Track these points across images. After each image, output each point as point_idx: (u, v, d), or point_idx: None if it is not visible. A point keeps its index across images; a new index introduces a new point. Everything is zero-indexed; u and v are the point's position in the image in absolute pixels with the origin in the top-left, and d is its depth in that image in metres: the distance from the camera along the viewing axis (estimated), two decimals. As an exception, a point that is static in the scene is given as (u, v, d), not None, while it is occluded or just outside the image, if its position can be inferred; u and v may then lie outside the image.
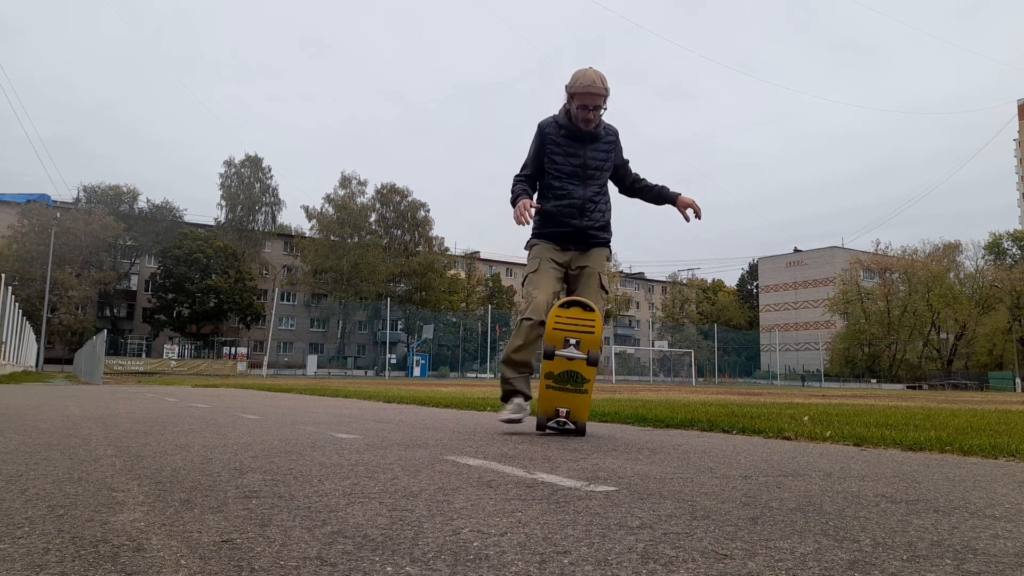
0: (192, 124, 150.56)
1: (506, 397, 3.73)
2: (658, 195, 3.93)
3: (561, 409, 3.46)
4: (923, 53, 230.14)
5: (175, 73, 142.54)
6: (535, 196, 3.83)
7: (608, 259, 3.87)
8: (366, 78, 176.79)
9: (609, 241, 3.86)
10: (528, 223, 3.64)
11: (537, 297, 3.58)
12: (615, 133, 3.88)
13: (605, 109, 3.68)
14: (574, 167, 3.74)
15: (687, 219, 3.84)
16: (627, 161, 3.95)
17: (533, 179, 3.85)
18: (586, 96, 3.58)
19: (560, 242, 3.76)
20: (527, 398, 3.70)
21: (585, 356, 3.31)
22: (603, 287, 3.75)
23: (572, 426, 3.50)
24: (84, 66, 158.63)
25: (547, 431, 3.59)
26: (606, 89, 3.60)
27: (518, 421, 3.68)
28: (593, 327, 3.34)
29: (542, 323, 3.49)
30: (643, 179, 3.98)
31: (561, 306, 3.40)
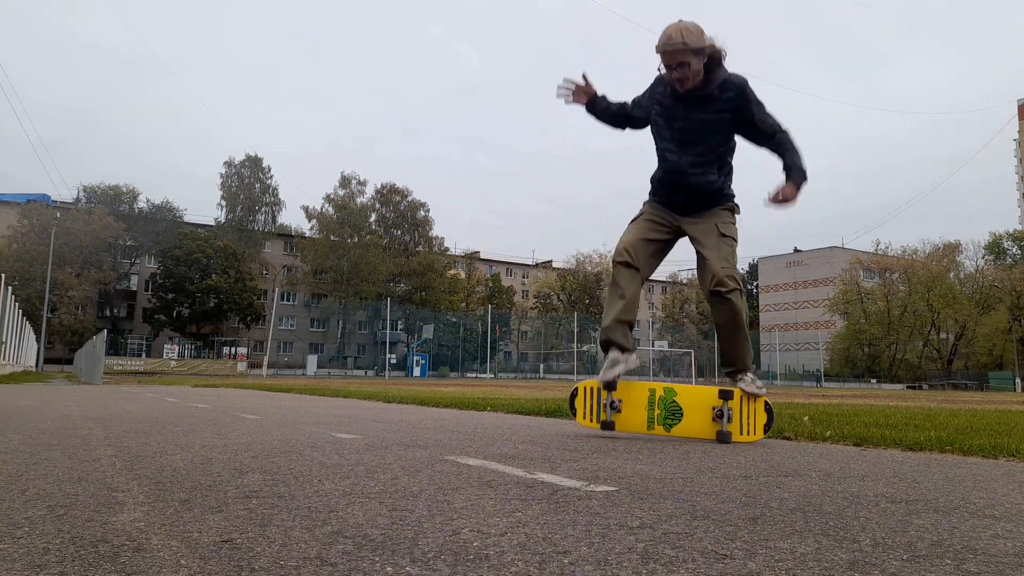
0: (192, 124, 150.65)
1: (603, 348, 3.48)
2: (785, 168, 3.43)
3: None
4: (923, 53, 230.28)
5: (175, 73, 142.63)
6: (631, 131, 3.65)
7: (732, 212, 3.51)
8: (366, 77, 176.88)
9: (728, 205, 3.49)
10: (571, 100, 3.57)
11: (621, 239, 3.52)
12: (737, 88, 3.32)
13: (689, 64, 3.22)
14: (673, 131, 3.42)
15: (768, 200, 3.36)
16: (765, 119, 3.36)
17: (628, 108, 3.58)
18: (665, 55, 3.24)
19: (665, 200, 3.56)
20: (623, 349, 3.40)
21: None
22: (725, 235, 3.42)
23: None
24: (84, 66, 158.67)
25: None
26: (684, 44, 3.17)
27: (611, 381, 3.38)
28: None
29: (624, 263, 3.44)
30: (786, 147, 3.38)
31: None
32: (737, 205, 3.55)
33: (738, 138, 3.51)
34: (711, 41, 3.27)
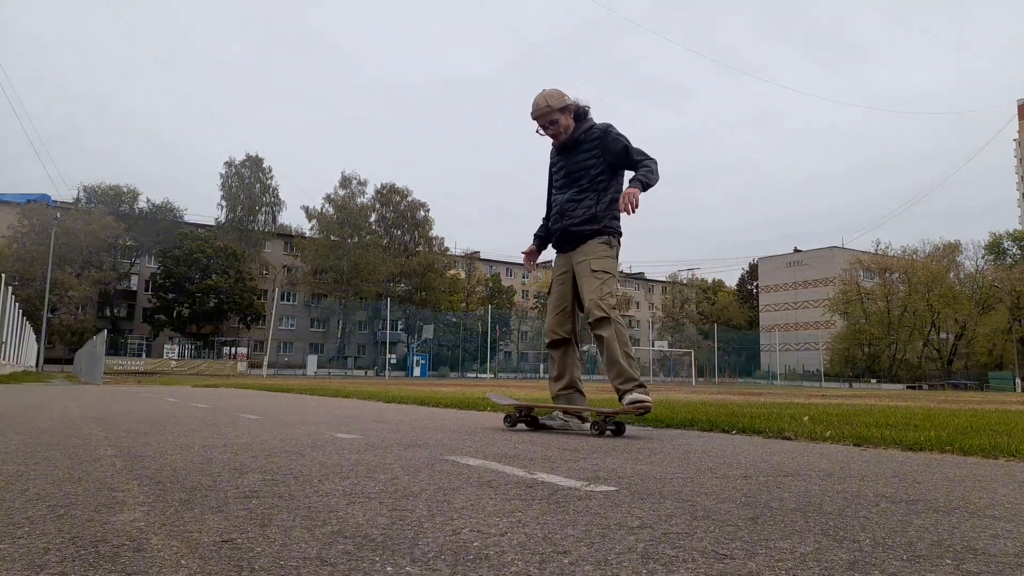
0: (192, 123, 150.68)
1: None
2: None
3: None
4: (923, 52, 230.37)
5: (176, 73, 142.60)
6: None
7: (608, 244, 3.91)
8: (366, 77, 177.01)
9: (600, 232, 3.90)
10: (532, 270, 4.35)
11: (546, 321, 4.14)
12: (600, 132, 3.92)
13: (558, 121, 3.89)
14: (561, 178, 4.05)
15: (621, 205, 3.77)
16: (623, 148, 3.87)
17: (550, 202, 4.18)
18: (539, 120, 3.95)
19: (559, 248, 4.10)
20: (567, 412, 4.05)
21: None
22: (595, 270, 3.85)
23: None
24: (83, 64, 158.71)
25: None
26: (549, 107, 3.88)
27: (562, 427, 4.03)
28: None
29: (556, 341, 4.03)
30: (643, 166, 3.82)
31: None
32: (615, 235, 3.96)
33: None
34: (575, 100, 3.94)
